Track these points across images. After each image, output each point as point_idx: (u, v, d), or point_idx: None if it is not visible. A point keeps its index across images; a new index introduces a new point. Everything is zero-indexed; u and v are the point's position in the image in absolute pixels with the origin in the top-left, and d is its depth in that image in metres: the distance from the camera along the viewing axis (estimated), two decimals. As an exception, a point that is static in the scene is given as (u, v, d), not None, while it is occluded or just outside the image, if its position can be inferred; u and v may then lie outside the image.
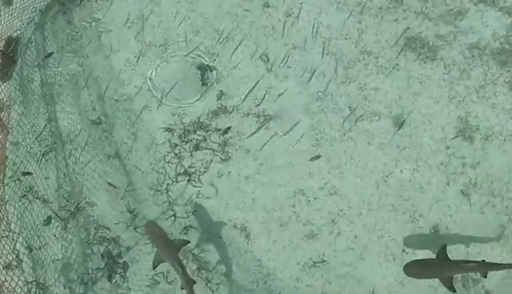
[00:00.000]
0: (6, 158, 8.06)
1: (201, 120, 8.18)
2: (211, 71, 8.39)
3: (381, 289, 7.42)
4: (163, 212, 7.81)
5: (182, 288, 6.72)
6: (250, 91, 8.17)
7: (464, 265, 6.89)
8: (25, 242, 7.69)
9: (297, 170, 7.92)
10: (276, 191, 7.86)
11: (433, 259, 7.10)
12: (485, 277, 6.98)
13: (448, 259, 6.95)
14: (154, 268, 7.02)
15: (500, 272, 7.32)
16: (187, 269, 6.85)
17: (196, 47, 8.53)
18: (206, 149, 8.06)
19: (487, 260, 6.86)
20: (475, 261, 6.87)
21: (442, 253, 6.99)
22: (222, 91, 8.31)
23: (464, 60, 8.17)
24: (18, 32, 8.64)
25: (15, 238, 7.69)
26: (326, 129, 8.06)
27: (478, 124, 7.96)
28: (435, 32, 8.30)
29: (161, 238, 6.96)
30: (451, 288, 6.90)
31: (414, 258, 7.45)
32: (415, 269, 7.04)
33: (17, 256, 7.56)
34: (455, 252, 7.45)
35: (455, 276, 7.02)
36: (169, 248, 6.84)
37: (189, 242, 7.24)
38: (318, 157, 7.94)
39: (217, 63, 8.43)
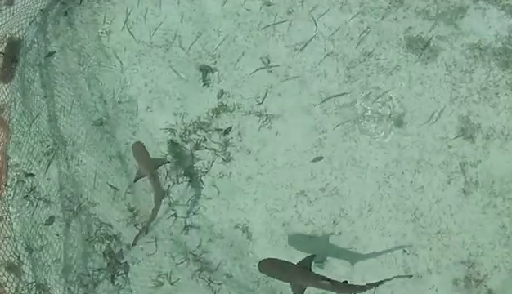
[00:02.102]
0: (9, 158, 8.07)
1: (201, 120, 8.18)
2: (212, 72, 8.38)
3: (382, 289, 7.42)
4: (165, 212, 7.82)
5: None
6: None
7: (320, 282, 6.72)
8: (27, 243, 7.72)
9: (298, 170, 7.93)
10: (277, 192, 7.87)
11: (292, 264, 6.95)
12: None
13: (308, 269, 6.86)
14: (135, 181, 7.69)
15: (502, 272, 7.34)
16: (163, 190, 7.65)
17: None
18: (207, 149, 8.06)
19: (350, 282, 6.82)
20: (334, 281, 6.72)
21: (305, 262, 6.91)
22: (222, 91, 8.30)
23: (466, 60, 8.15)
24: (19, 32, 8.64)
25: (16, 238, 7.71)
26: (328, 129, 8.05)
27: (480, 123, 7.95)
28: (436, 32, 8.29)
29: (143, 155, 7.60)
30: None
31: (414, 258, 7.47)
32: (270, 268, 7.01)
33: (18, 258, 7.58)
34: (456, 252, 7.48)
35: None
36: (148, 164, 7.51)
37: (168, 162, 7.98)
38: (321, 158, 7.94)
39: (218, 64, 8.41)
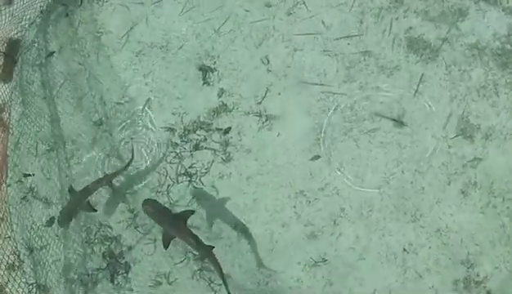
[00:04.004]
0: (7, 157, 8.08)
1: (201, 120, 8.18)
2: (212, 72, 8.38)
3: (382, 289, 7.43)
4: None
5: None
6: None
7: (188, 238, 6.92)
8: (27, 244, 7.73)
9: (298, 170, 7.93)
10: (277, 192, 7.87)
11: (171, 212, 7.18)
12: None
13: (183, 222, 7.04)
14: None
15: (503, 273, 7.33)
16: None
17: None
18: (207, 148, 8.07)
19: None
20: (201, 241, 6.91)
21: (184, 215, 7.18)
22: (222, 89, 8.31)
23: (465, 59, 8.15)
24: (19, 32, 8.65)
25: (17, 238, 7.72)
26: (327, 129, 8.05)
27: (479, 123, 7.94)
28: (436, 32, 8.28)
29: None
30: (165, 245, 7.07)
31: (415, 258, 7.47)
32: (151, 208, 7.12)
33: (18, 257, 7.59)
34: (456, 252, 7.47)
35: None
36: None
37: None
38: (318, 157, 7.94)
39: (217, 65, 8.42)
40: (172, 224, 7.06)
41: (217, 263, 7.03)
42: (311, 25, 8.45)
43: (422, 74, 8.06)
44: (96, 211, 7.72)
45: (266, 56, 8.38)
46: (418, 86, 8.04)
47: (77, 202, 7.46)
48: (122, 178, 8.02)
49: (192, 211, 7.38)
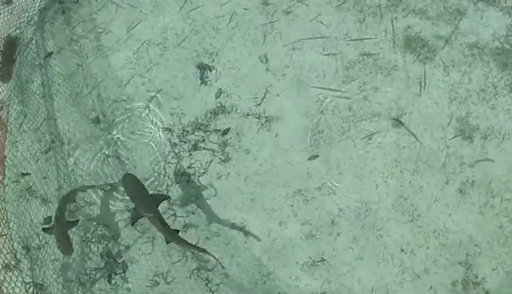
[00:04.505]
0: (5, 157, 8.07)
1: (199, 120, 8.17)
2: (210, 70, 8.38)
3: (380, 289, 7.42)
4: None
5: None
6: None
7: (156, 221, 6.93)
8: (24, 242, 7.72)
9: (296, 170, 7.91)
10: (275, 191, 7.86)
11: (146, 192, 7.17)
12: None
13: (155, 205, 7.05)
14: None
15: (500, 273, 7.32)
16: None
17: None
18: (205, 149, 8.06)
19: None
20: (167, 225, 7.00)
21: (158, 198, 7.25)
22: (220, 89, 8.30)
23: (465, 59, 8.13)
24: (17, 31, 8.65)
25: (13, 237, 7.71)
26: (325, 129, 8.04)
27: (478, 124, 7.93)
28: (434, 32, 8.27)
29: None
30: (132, 221, 7.20)
31: (412, 258, 7.46)
32: (129, 182, 7.19)
33: (15, 256, 7.58)
34: (454, 252, 7.46)
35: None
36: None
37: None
38: (316, 156, 7.93)
39: (216, 63, 8.41)
40: (145, 203, 7.03)
41: (186, 243, 7.10)
42: (309, 24, 8.43)
43: (424, 73, 8.05)
44: (77, 222, 7.67)
45: (264, 55, 8.37)
46: (424, 84, 8.03)
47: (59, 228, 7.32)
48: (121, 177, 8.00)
49: (168, 196, 7.52)
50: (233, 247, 7.72)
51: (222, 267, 7.27)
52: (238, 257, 7.67)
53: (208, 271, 7.60)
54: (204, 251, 7.08)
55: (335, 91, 8.14)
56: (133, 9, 8.71)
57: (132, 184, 7.21)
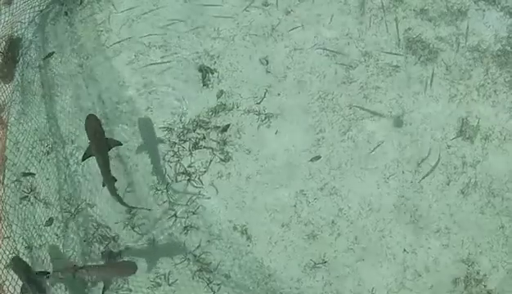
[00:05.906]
0: (6, 158, 8.05)
1: (200, 119, 8.17)
2: (212, 73, 8.38)
3: (381, 290, 7.41)
4: (164, 212, 7.80)
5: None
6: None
7: (100, 162, 7.22)
8: (26, 243, 7.70)
9: (297, 170, 7.92)
10: (276, 192, 7.86)
11: (102, 136, 7.33)
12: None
13: (106, 149, 7.29)
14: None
15: (501, 271, 7.33)
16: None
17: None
18: (205, 147, 8.05)
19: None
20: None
21: (109, 142, 7.42)
22: (222, 91, 8.31)
23: (466, 61, 8.15)
24: (19, 32, 8.64)
25: (16, 238, 7.68)
26: (327, 129, 8.05)
27: (479, 124, 7.94)
28: (435, 33, 8.29)
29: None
30: (83, 158, 7.41)
31: (413, 257, 7.45)
32: (89, 124, 7.33)
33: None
34: (456, 252, 7.47)
35: None
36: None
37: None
38: (318, 157, 7.94)
39: (217, 65, 8.42)
40: (98, 143, 7.30)
41: (115, 194, 7.40)
42: (310, 25, 8.45)
43: (433, 72, 8.07)
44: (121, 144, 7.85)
45: (265, 57, 8.39)
46: (431, 82, 8.04)
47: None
48: (122, 178, 7.99)
49: (120, 143, 7.68)
50: (235, 248, 7.70)
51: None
52: (240, 259, 7.65)
53: (210, 272, 7.58)
54: (126, 205, 7.55)
55: (335, 93, 8.17)
56: (135, 10, 8.71)
57: (92, 124, 7.37)
